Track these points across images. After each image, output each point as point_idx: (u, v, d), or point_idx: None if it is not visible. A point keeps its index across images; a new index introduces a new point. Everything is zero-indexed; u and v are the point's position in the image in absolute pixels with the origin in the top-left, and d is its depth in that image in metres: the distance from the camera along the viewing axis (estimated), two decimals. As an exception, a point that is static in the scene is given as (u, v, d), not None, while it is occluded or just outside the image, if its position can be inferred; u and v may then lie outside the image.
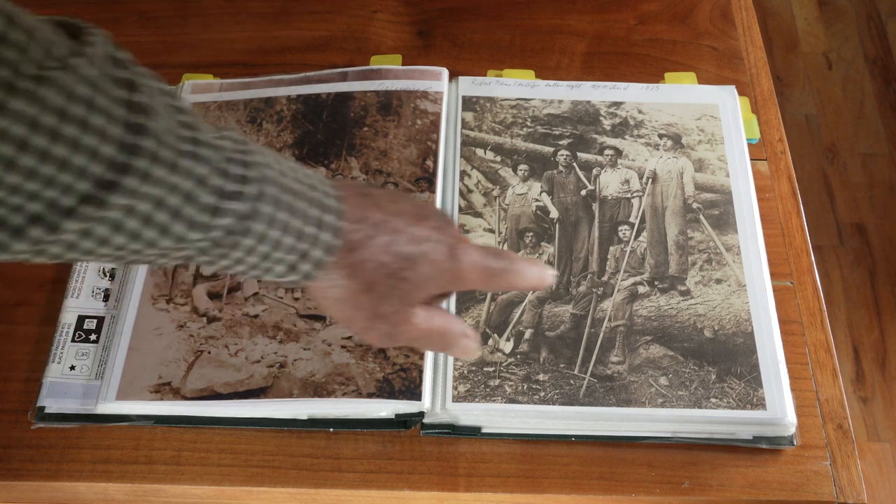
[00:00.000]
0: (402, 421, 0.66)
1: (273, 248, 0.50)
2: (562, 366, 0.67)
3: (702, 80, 0.86)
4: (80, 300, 0.72)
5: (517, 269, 0.59)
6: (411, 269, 0.55)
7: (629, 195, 0.77)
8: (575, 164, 0.79)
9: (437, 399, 0.66)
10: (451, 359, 0.67)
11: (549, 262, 0.73)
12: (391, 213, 0.55)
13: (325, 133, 0.81)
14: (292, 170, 0.52)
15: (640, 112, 0.82)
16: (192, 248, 0.48)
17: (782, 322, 0.70)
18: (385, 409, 0.65)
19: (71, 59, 0.41)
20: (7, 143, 0.39)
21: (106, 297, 0.72)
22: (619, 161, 0.79)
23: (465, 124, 0.81)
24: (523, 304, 0.70)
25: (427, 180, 0.77)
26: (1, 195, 0.41)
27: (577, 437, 0.65)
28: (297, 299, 0.71)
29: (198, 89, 0.84)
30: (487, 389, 0.66)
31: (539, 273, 0.60)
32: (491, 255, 0.58)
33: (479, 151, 0.80)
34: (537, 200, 0.77)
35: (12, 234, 0.43)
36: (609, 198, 0.77)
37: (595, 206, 0.76)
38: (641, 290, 0.71)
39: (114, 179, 0.43)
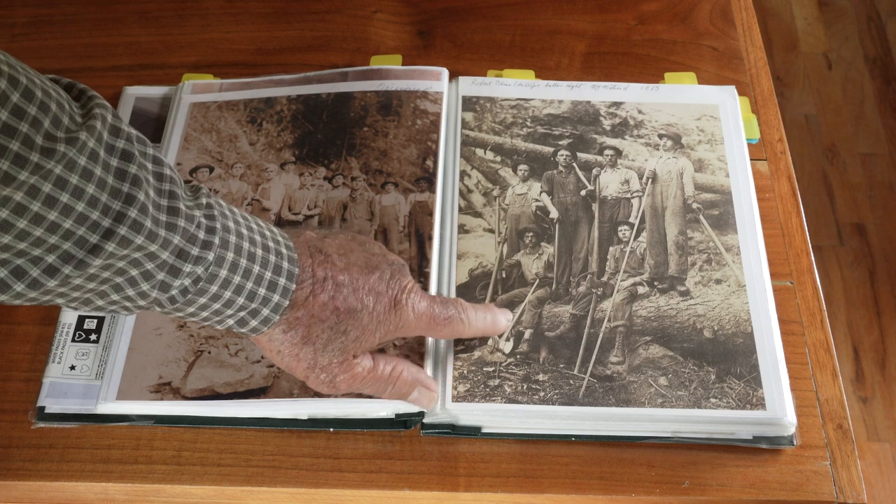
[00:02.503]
0: (402, 421, 0.66)
1: (225, 305, 0.54)
2: (561, 366, 0.67)
3: (702, 81, 0.86)
4: (80, 300, 0.72)
5: (465, 318, 0.63)
6: (351, 322, 0.59)
7: (629, 195, 0.77)
8: (575, 165, 0.79)
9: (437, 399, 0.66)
10: (450, 358, 0.67)
11: (549, 263, 0.73)
12: (339, 269, 0.59)
13: (325, 133, 0.81)
14: (252, 231, 0.55)
15: (640, 112, 0.82)
16: (150, 303, 0.52)
17: (782, 322, 0.70)
18: (385, 409, 0.65)
19: (78, 132, 0.45)
20: (11, 208, 0.43)
21: (106, 297, 0.72)
22: (619, 161, 0.79)
23: (465, 124, 0.81)
24: (523, 305, 0.70)
25: (427, 180, 0.77)
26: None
27: (576, 437, 0.65)
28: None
29: (198, 89, 0.84)
30: (487, 389, 0.66)
31: (491, 319, 0.65)
32: (437, 305, 0.63)
33: (479, 151, 0.80)
34: (537, 200, 0.77)
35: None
36: (609, 198, 0.77)
37: (595, 207, 0.76)
38: (641, 290, 0.71)
39: (97, 243, 0.46)
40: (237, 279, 0.53)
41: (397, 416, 0.66)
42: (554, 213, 0.76)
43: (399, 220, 0.75)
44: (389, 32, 0.91)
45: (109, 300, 0.51)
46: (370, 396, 0.64)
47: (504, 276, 0.72)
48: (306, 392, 0.66)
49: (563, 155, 0.80)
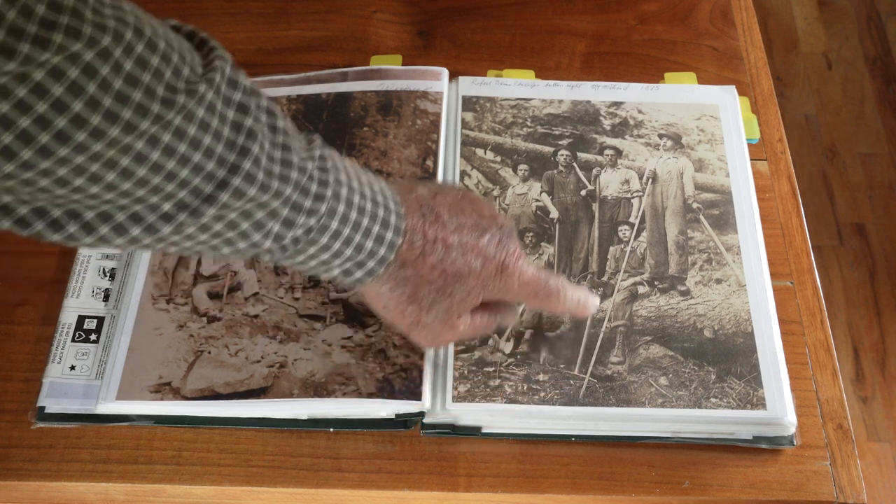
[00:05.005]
0: (403, 421, 0.66)
1: (334, 256, 0.55)
2: (562, 366, 0.67)
3: (702, 80, 0.86)
4: (80, 300, 0.72)
5: (562, 294, 0.63)
6: (458, 285, 0.59)
7: (629, 195, 0.77)
8: (575, 164, 0.79)
9: (437, 399, 0.66)
10: (451, 359, 0.67)
11: (549, 263, 0.73)
12: (449, 230, 0.59)
13: (325, 133, 0.81)
14: (363, 185, 0.56)
15: (640, 112, 0.82)
16: (263, 250, 0.53)
17: (782, 322, 0.70)
18: (385, 409, 0.65)
19: (198, 84, 0.45)
20: (132, 156, 0.44)
21: (106, 297, 0.72)
22: (619, 161, 0.79)
23: (465, 124, 0.81)
24: (523, 305, 0.70)
25: (427, 180, 0.77)
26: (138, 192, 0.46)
27: (577, 437, 0.65)
28: (297, 299, 0.71)
29: (198, 89, 0.84)
30: (487, 389, 0.66)
31: (584, 301, 0.65)
32: (542, 275, 0.63)
33: (479, 151, 0.80)
34: (537, 200, 0.77)
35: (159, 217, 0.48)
36: (609, 198, 0.77)
37: (595, 206, 0.76)
38: (641, 290, 0.71)
39: (212, 193, 0.47)
40: (347, 231, 0.54)
41: (397, 416, 0.66)
42: (554, 213, 0.76)
43: (399, 220, 0.74)
44: (389, 32, 0.91)
45: (221, 252, 0.52)
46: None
47: (504, 276, 0.72)
48: (306, 392, 0.66)
49: (563, 155, 0.80)
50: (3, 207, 0.45)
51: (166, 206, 0.47)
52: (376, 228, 0.56)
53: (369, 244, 0.56)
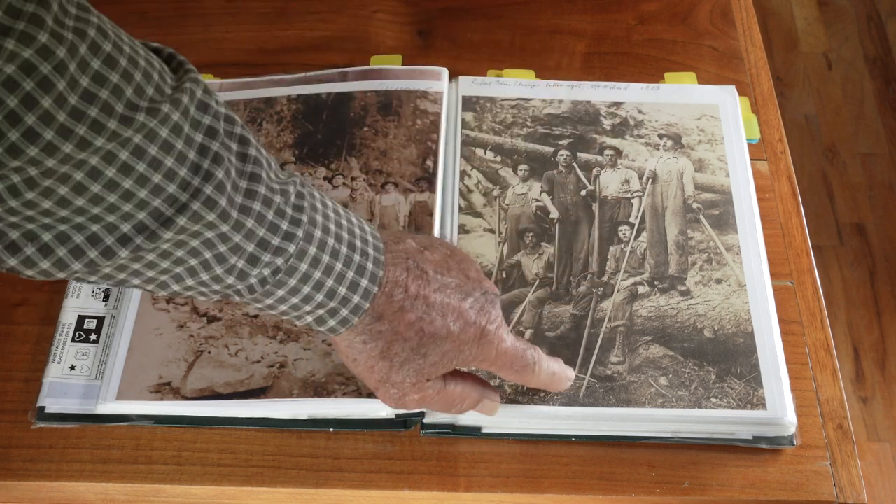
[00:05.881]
0: (402, 421, 0.66)
1: (304, 300, 0.53)
2: (562, 366, 0.67)
3: (702, 80, 0.86)
4: (80, 300, 0.72)
5: (537, 368, 0.61)
6: (433, 346, 0.57)
7: (629, 195, 0.77)
8: (575, 164, 0.79)
9: (437, 399, 0.66)
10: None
11: (549, 263, 0.73)
12: (433, 287, 0.57)
13: (325, 133, 0.81)
14: (342, 229, 0.54)
15: (640, 112, 0.82)
16: (229, 286, 0.51)
17: (782, 322, 0.70)
18: (385, 409, 0.65)
19: (162, 104, 0.45)
20: (86, 172, 0.43)
21: (106, 297, 0.72)
22: (619, 161, 0.79)
23: (465, 124, 0.81)
24: (523, 305, 0.70)
25: (427, 180, 0.77)
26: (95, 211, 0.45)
27: (577, 437, 0.65)
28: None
29: (198, 89, 0.84)
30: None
31: (558, 377, 0.63)
32: (521, 346, 0.61)
33: (479, 151, 0.80)
34: (537, 200, 0.77)
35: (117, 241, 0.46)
36: (609, 198, 0.77)
37: (595, 206, 0.76)
38: (641, 290, 0.71)
39: (171, 216, 0.46)
40: (317, 274, 0.52)
41: (397, 416, 0.66)
42: (554, 213, 0.76)
43: (399, 220, 0.75)
44: (389, 32, 0.91)
45: (185, 285, 0.50)
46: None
47: (504, 276, 0.72)
48: (306, 392, 0.66)
49: (563, 155, 0.80)
50: None
51: (125, 228, 0.46)
52: (351, 274, 0.54)
53: (342, 290, 0.53)
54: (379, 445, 0.65)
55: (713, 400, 0.65)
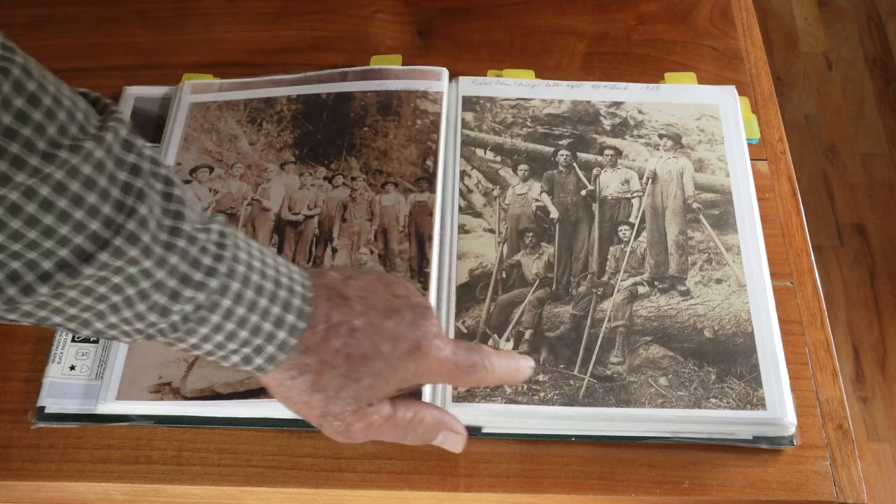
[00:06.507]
0: (402, 421, 0.65)
1: (228, 338, 0.52)
2: (561, 366, 0.67)
3: (702, 80, 0.86)
4: (80, 300, 0.72)
5: (488, 365, 0.60)
6: (364, 368, 0.56)
7: (629, 195, 0.77)
8: (575, 164, 0.79)
9: (436, 399, 0.66)
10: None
11: (549, 263, 0.73)
12: (356, 313, 0.56)
13: (325, 133, 0.81)
14: (266, 267, 0.53)
15: (640, 112, 0.82)
16: (150, 328, 0.51)
17: (782, 322, 0.70)
18: (385, 409, 0.65)
19: (85, 141, 0.45)
20: (6, 207, 0.43)
21: (106, 297, 0.72)
22: (619, 161, 0.79)
23: (465, 124, 0.81)
24: (523, 305, 0.70)
25: (427, 180, 0.77)
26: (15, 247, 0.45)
27: (577, 437, 0.65)
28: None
29: (198, 89, 0.84)
30: (487, 390, 0.66)
31: (515, 367, 0.61)
32: (462, 351, 0.59)
33: (479, 151, 0.80)
34: (537, 200, 0.77)
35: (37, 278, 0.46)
36: (609, 198, 0.77)
37: (595, 207, 0.76)
38: (641, 290, 0.71)
39: (93, 253, 0.46)
40: (241, 311, 0.52)
41: (397, 416, 0.65)
42: (554, 213, 0.76)
43: (399, 220, 0.75)
44: (389, 32, 0.91)
45: (108, 322, 0.50)
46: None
47: (504, 276, 0.72)
48: (306, 392, 0.65)
49: (563, 155, 0.80)
50: None
51: (45, 265, 0.45)
52: (276, 310, 0.53)
53: (267, 326, 0.52)
54: (379, 445, 0.65)
55: (713, 400, 0.65)
